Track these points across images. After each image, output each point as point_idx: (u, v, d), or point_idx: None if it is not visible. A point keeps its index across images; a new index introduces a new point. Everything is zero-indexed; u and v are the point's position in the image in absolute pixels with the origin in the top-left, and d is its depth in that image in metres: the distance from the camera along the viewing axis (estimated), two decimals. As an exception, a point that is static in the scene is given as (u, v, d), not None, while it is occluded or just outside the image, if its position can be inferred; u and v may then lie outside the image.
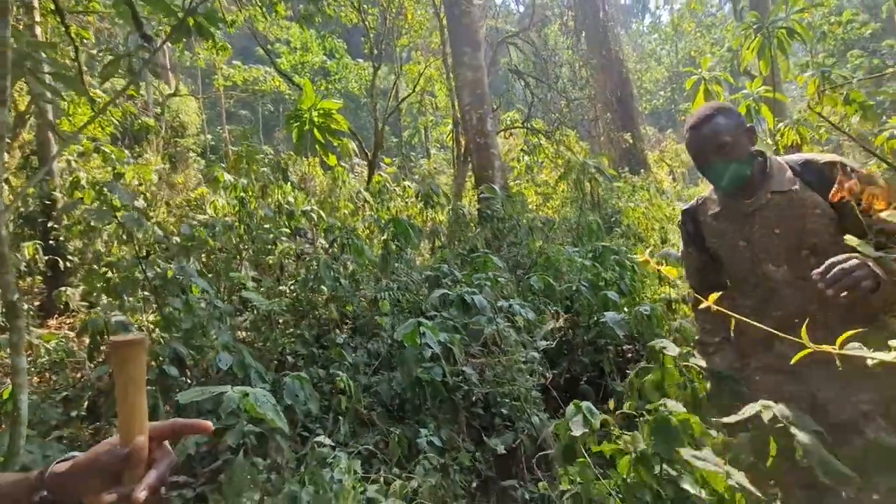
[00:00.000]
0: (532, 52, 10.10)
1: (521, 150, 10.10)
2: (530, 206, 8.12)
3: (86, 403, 2.81)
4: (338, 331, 3.49)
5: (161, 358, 2.36)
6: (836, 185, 1.11)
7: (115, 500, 0.56)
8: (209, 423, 0.63)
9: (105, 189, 2.30)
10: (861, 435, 1.26)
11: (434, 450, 2.11)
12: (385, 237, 3.84)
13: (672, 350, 1.44)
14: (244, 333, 3.68)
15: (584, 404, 1.61)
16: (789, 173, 1.35)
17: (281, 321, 3.84)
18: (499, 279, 3.43)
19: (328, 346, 3.30)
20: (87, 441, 2.58)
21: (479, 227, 5.58)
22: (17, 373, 1.69)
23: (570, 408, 1.61)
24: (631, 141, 10.63)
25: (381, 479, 1.68)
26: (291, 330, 3.73)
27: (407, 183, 8.20)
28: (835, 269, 1.05)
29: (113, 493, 0.56)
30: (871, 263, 1.04)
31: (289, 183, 5.37)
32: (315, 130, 7.52)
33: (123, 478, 0.57)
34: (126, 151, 6.15)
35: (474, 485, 2.42)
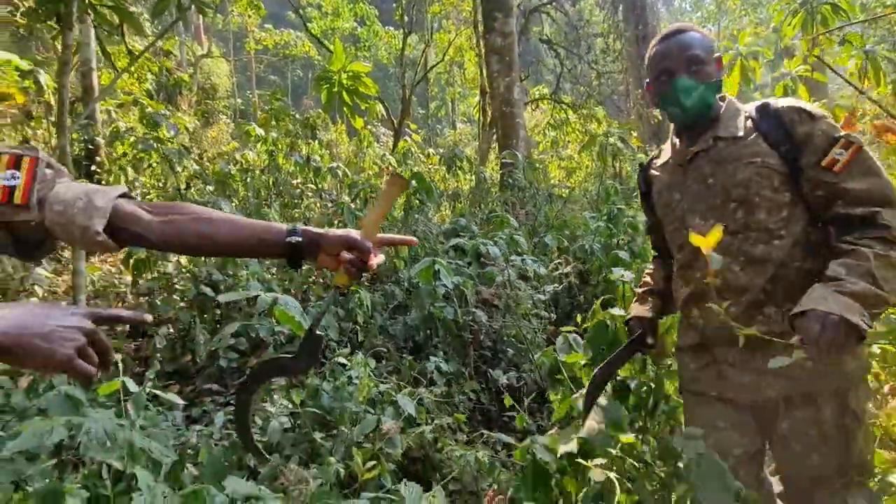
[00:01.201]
0: (565, 22, 9.89)
1: (548, 123, 10.02)
2: (552, 179, 8.13)
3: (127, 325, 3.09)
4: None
5: (198, 281, 2.59)
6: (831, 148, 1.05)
7: (350, 259, 0.78)
8: (415, 239, 0.90)
9: (154, 119, 2.49)
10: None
11: (441, 376, 2.28)
12: (408, 193, 3.98)
13: (627, 277, 1.58)
14: (269, 275, 3.92)
15: (571, 336, 1.77)
16: (742, 118, 1.21)
17: (304, 267, 4.06)
18: (514, 237, 3.55)
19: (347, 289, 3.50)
20: (132, 356, 2.85)
21: (499, 192, 5.67)
22: (77, 273, 1.91)
23: (560, 338, 1.78)
24: (660, 118, 10.42)
25: (393, 380, 1.86)
26: (313, 276, 3.96)
27: (431, 150, 8.29)
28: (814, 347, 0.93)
29: (349, 255, 0.79)
30: (840, 311, 0.92)
31: (316, 141, 5.54)
32: (343, 93, 7.64)
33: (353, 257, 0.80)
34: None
35: (478, 417, 2.60)
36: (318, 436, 1.50)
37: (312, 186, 5.20)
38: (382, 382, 1.78)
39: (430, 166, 7.38)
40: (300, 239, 0.78)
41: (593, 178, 7.71)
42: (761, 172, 1.14)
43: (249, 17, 14.35)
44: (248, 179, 3.86)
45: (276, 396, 1.89)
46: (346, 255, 0.79)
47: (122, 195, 0.75)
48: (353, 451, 1.37)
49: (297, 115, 5.86)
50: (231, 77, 20.49)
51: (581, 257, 3.71)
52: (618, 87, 11.17)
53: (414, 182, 4.16)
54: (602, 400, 1.31)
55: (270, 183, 4.37)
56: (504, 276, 2.96)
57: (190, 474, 1.45)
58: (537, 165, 5.86)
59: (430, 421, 1.81)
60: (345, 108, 7.73)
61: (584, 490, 1.13)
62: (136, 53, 3.80)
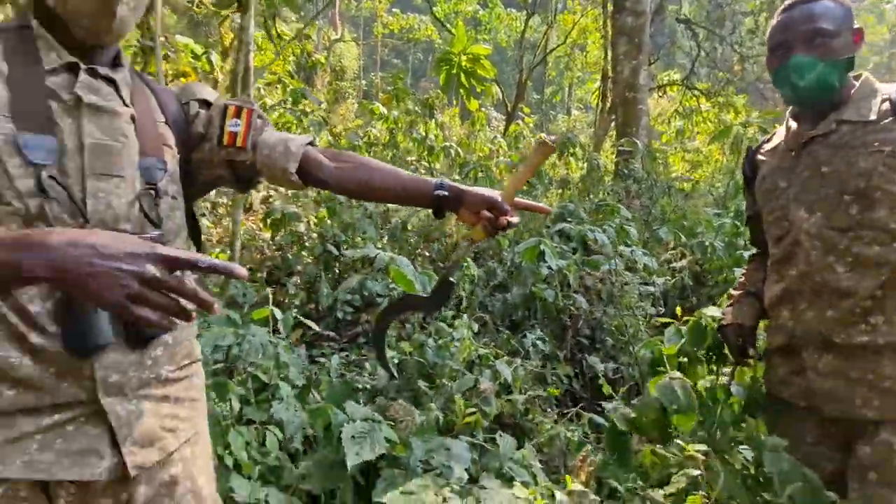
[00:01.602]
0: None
1: (675, 112, 9.24)
2: (674, 172, 7.53)
3: (265, 272, 3.58)
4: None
5: (324, 239, 2.91)
6: None
7: (489, 217, 0.85)
8: (550, 208, 0.96)
9: (302, 93, 2.83)
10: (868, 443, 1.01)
11: (537, 353, 2.33)
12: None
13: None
14: (381, 243, 4.25)
15: (684, 328, 1.68)
16: (878, 100, 1.05)
17: (412, 240, 4.32)
18: (624, 226, 3.41)
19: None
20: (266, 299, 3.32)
21: (612, 182, 5.42)
22: (235, 222, 2.29)
23: (670, 328, 1.70)
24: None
25: (492, 348, 1.96)
26: (420, 249, 4.20)
27: (543, 135, 8.15)
28: None
29: (488, 214, 0.85)
30: None
31: (433, 121, 5.77)
32: (462, 75, 7.73)
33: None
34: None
35: (568, 402, 2.61)
36: (421, 384, 1.65)
37: (426, 164, 5.44)
38: (482, 348, 1.88)
39: (541, 151, 7.28)
40: (445, 193, 0.86)
41: (722, 173, 6.99)
42: (889, 163, 0.99)
43: (380, 1, 15.10)
44: (370, 153, 4.18)
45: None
46: (485, 213, 0.85)
47: (309, 143, 0.90)
48: (456, 399, 1.49)
49: (418, 96, 6.13)
50: (359, 59, 21.80)
51: (699, 255, 3.44)
52: (763, 74, 9.87)
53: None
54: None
55: (389, 158, 4.68)
56: (611, 264, 2.88)
57: (314, 398, 1.69)
58: (657, 156, 5.48)
59: (523, 391, 1.87)
60: (461, 90, 7.85)
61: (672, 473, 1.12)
62: (285, 37, 4.28)
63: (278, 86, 7.39)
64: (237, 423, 1.29)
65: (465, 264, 2.69)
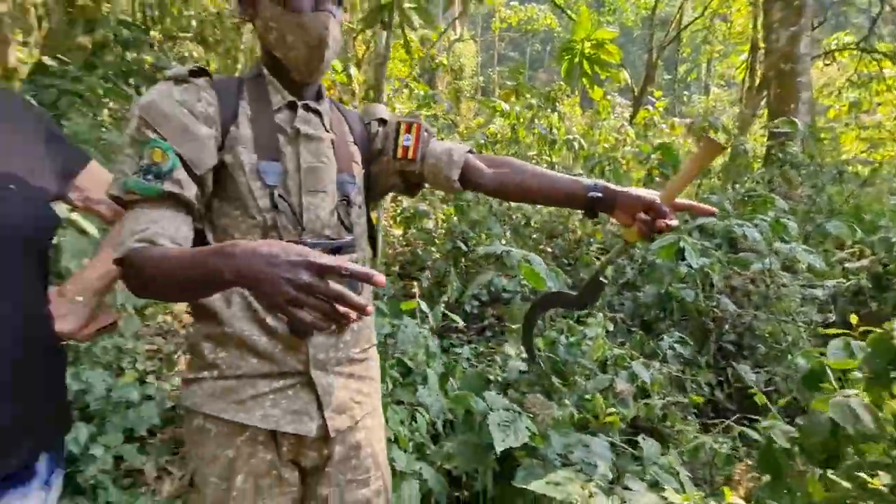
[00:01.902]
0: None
1: (848, 81, 7.77)
2: (847, 153, 6.36)
3: (398, 266, 3.89)
4: (587, 247, 3.73)
5: (454, 236, 3.07)
6: None
7: (645, 220, 0.82)
8: (715, 209, 0.90)
9: (433, 98, 3.02)
10: None
11: (675, 357, 2.19)
12: (649, 166, 3.77)
13: None
14: (505, 239, 4.32)
15: (855, 342, 1.45)
16: None
17: (534, 235, 4.32)
18: (781, 220, 3.00)
19: (577, 259, 3.61)
20: (401, 291, 3.60)
21: (763, 168, 4.78)
22: (377, 221, 2.55)
23: (836, 340, 1.47)
24: None
25: (626, 349, 1.91)
26: (543, 245, 4.17)
27: (676, 119, 7.46)
28: None
29: (644, 216, 0.83)
30: None
31: (556, 113, 5.65)
32: (584, 62, 7.43)
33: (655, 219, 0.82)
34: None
35: (710, 413, 2.40)
36: (555, 380, 1.68)
37: (547, 159, 5.37)
38: (617, 348, 1.84)
39: (674, 137, 6.69)
40: (599, 194, 0.88)
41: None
42: None
43: (499, -4, 15.10)
44: (493, 151, 4.26)
45: (507, 344, 2.16)
46: (641, 215, 0.83)
47: (469, 151, 1.00)
48: (594, 397, 1.50)
49: (540, 89, 6.05)
50: (476, 56, 22.04)
51: (881, 253, 2.89)
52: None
53: (659, 152, 3.90)
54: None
55: (512, 154, 4.71)
56: (764, 264, 2.57)
57: (451, 385, 1.82)
58: (823, 136, 4.69)
59: (662, 396, 1.79)
60: (583, 79, 7.56)
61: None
62: (412, 43, 4.55)
63: (404, 90, 7.88)
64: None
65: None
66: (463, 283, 3.01)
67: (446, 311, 1.77)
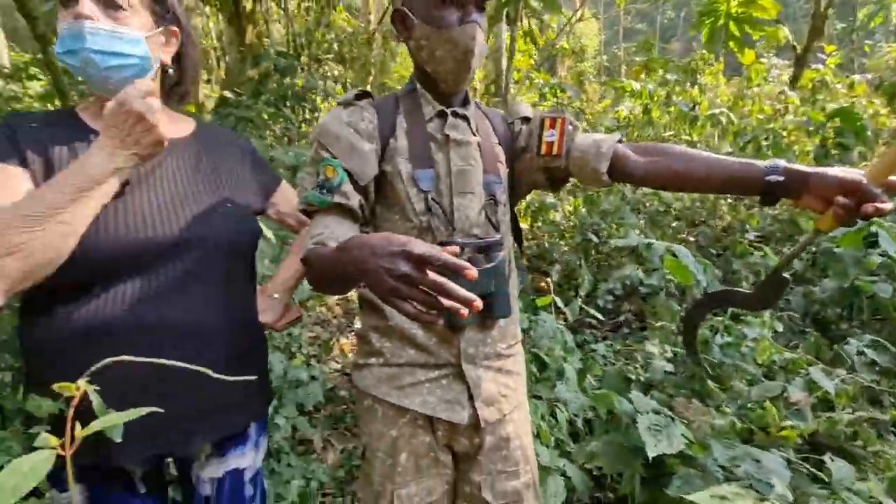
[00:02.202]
0: None
1: None
2: None
3: (525, 260, 3.87)
4: (741, 235, 3.30)
5: (584, 228, 2.96)
6: None
7: (844, 204, 0.69)
8: None
9: (560, 87, 2.94)
10: None
11: (865, 365, 1.84)
12: (823, 136, 3.19)
13: None
14: (641, 228, 4.03)
15: None
16: None
17: (673, 224, 3.94)
18: None
19: (727, 248, 3.21)
20: (530, 286, 3.59)
21: None
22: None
23: None
24: None
25: (800, 352, 1.65)
26: (684, 234, 3.80)
27: (856, 77, 6.17)
28: None
29: (843, 199, 0.70)
30: None
31: (696, 87, 5.08)
32: (731, 23, 6.56)
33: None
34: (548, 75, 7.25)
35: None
36: (711, 384, 1.53)
37: (686, 138, 4.86)
38: (788, 351, 1.61)
39: (854, 99, 5.53)
40: (780, 178, 0.77)
41: None
42: None
43: (622, -33, 14.03)
44: (624, 136, 3.98)
45: (654, 343, 2.01)
46: (840, 198, 0.71)
47: (619, 141, 0.95)
48: (762, 406, 1.33)
49: (675, 62, 5.49)
50: (599, 35, 20.85)
51: None
52: None
53: (838, 119, 3.28)
54: None
55: (648, 137, 4.36)
56: None
57: (589, 382, 1.77)
58: None
59: (850, 410, 1.52)
60: (730, 43, 6.68)
61: None
62: (529, 33, 4.47)
63: (526, 82, 7.76)
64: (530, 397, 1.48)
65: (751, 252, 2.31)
66: (594, 277, 2.89)
67: (583, 306, 1.72)
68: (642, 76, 6.40)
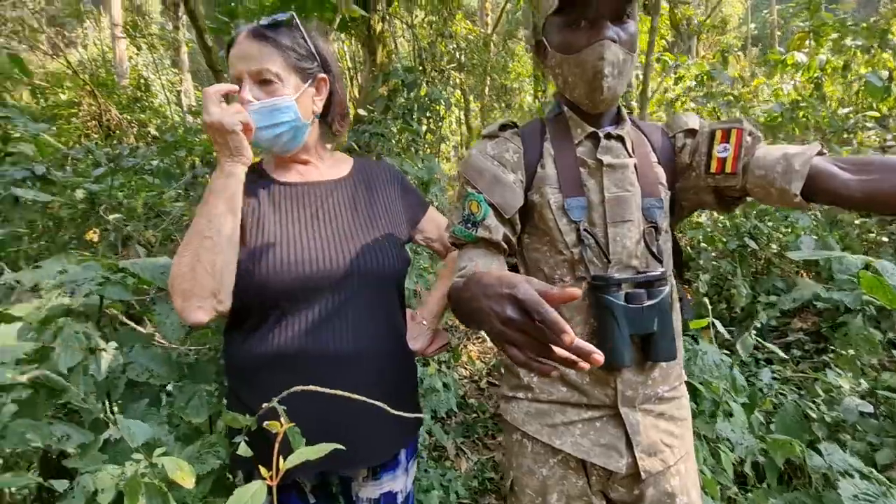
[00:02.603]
0: None
1: None
2: None
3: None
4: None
5: (740, 232, 2.59)
6: None
7: None
8: None
9: (710, 74, 2.61)
10: None
11: None
12: None
13: None
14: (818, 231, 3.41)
15: None
16: None
17: (857, 221, 3.25)
18: None
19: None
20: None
21: None
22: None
23: None
24: None
25: None
26: (875, 234, 3.10)
27: None
28: None
29: None
30: None
31: (889, 51, 4.11)
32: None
33: None
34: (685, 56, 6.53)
35: None
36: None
37: (874, 114, 3.97)
38: None
39: None
40: None
41: None
42: None
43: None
44: (790, 118, 3.39)
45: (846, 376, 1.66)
46: None
47: (818, 153, 0.77)
48: None
49: (855, 22, 4.51)
50: (745, 2, 18.34)
51: None
52: None
53: None
54: None
55: (821, 122, 3.66)
56: None
57: (757, 419, 1.53)
58: None
59: None
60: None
61: None
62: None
63: (656, 65, 7.08)
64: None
65: None
66: (752, 288, 2.51)
67: (760, 341, 1.48)
68: (808, 44, 5.40)
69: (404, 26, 5.69)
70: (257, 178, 0.95)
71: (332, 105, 1.00)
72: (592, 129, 0.89)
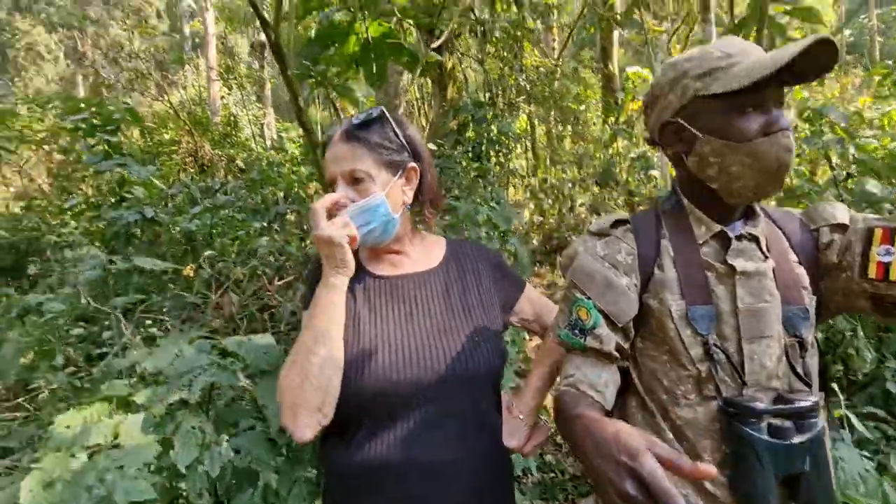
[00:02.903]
0: None
1: None
2: None
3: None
4: None
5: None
6: None
7: None
8: None
9: (819, 110, 2.39)
10: None
11: None
12: None
13: None
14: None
15: None
16: None
17: None
18: None
19: None
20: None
21: None
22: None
23: None
24: None
25: None
26: None
27: None
28: None
29: None
30: None
31: None
32: None
33: None
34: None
35: None
36: None
37: None
38: None
39: None
40: None
41: None
42: None
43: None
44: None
45: None
46: None
47: None
48: None
49: None
50: (836, 8, 17.03)
51: None
52: None
53: None
54: None
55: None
56: None
57: None
58: None
59: None
60: None
61: None
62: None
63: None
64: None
65: None
66: (876, 350, 2.21)
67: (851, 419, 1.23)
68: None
69: (473, 61, 5.78)
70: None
71: (422, 191, 0.99)
72: (720, 227, 0.80)
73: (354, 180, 0.90)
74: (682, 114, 0.78)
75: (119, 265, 2.12)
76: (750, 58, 0.72)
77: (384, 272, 0.97)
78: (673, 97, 0.79)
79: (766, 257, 0.79)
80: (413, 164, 0.96)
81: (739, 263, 0.77)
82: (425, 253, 1.01)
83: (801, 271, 0.80)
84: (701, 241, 0.80)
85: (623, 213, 0.88)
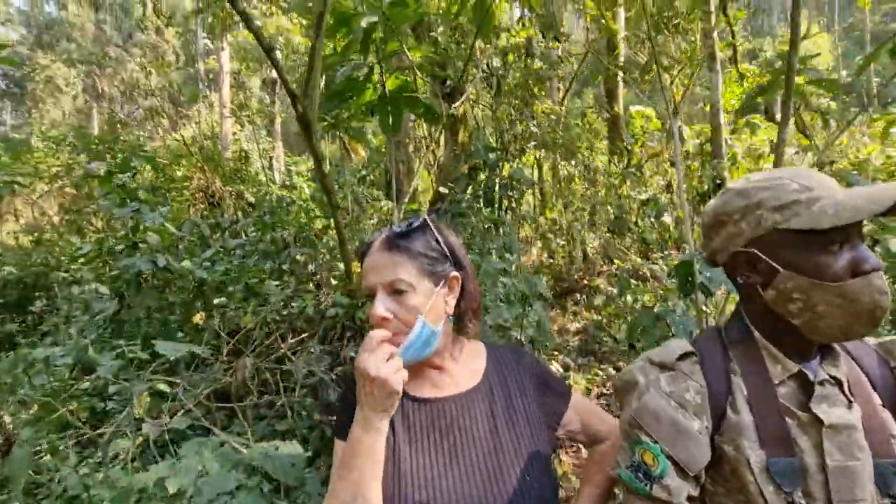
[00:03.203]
0: None
1: None
2: None
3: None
4: None
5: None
6: None
7: None
8: None
9: (844, 176, 2.39)
10: None
11: None
12: None
13: None
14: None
15: None
16: None
17: None
18: None
19: None
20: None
21: None
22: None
23: None
24: None
25: None
26: None
27: None
28: None
29: None
30: None
31: None
32: None
33: None
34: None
35: None
36: None
37: None
38: None
39: None
40: None
41: None
42: None
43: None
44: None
45: None
46: None
47: None
48: None
49: None
50: (834, 50, 17.44)
51: None
52: None
53: None
54: None
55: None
56: None
57: None
58: None
59: None
60: None
61: None
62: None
63: (746, 129, 6.73)
64: None
65: None
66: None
67: None
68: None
69: (483, 106, 5.89)
70: None
71: (464, 300, 0.93)
72: (799, 368, 0.73)
73: (395, 291, 0.85)
74: (758, 244, 0.73)
75: (137, 354, 2.06)
76: (833, 193, 0.69)
77: (424, 394, 0.90)
78: (746, 226, 0.74)
79: (851, 402, 0.72)
80: (455, 273, 0.91)
81: (824, 412, 0.70)
82: (466, 364, 0.94)
83: (888, 416, 0.73)
84: (777, 381, 0.73)
85: (686, 344, 0.80)
